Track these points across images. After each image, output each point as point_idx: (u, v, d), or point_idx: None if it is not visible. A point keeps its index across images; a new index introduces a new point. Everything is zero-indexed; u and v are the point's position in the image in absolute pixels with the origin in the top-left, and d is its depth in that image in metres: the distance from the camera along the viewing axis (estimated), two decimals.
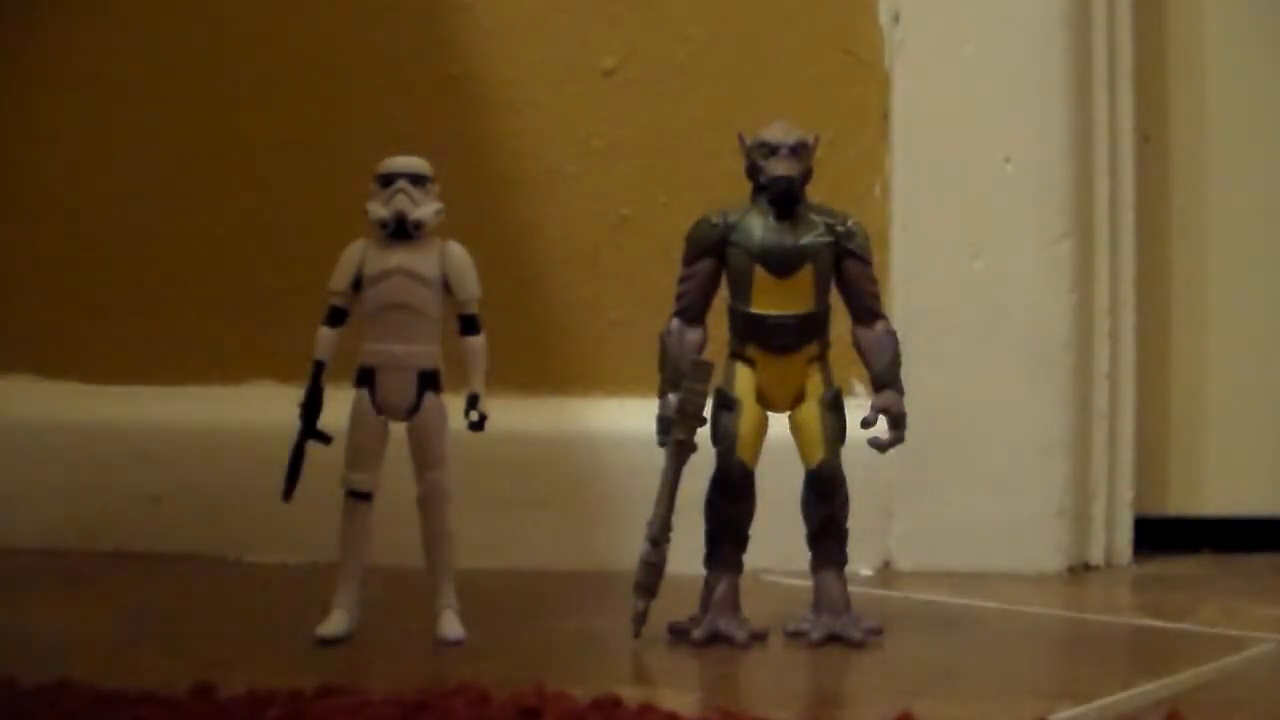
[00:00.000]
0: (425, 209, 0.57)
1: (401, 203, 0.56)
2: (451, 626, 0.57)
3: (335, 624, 0.56)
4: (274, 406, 0.72)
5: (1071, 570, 0.81)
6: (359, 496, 0.57)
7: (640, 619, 0.57)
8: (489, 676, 0.51)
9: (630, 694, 0.44)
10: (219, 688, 0.44)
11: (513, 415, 0.81)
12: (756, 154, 0.59)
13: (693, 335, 0.60)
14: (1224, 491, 0.90)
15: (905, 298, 0.82)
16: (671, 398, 0.58)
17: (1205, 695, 0.50)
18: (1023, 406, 0.81)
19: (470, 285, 0.58)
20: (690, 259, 0.61)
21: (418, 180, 0.57)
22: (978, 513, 0.80)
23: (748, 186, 0.60)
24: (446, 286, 0.57)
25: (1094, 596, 0.76)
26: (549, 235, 0.83)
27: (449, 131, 0.83)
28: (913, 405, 0.60)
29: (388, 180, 0.57)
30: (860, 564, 0.79)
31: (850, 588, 0.60)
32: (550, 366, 0.83)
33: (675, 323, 0.60)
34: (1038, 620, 0.68)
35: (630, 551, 0.58)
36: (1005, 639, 0.63)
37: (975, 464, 0.81)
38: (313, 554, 0.79)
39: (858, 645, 0.58)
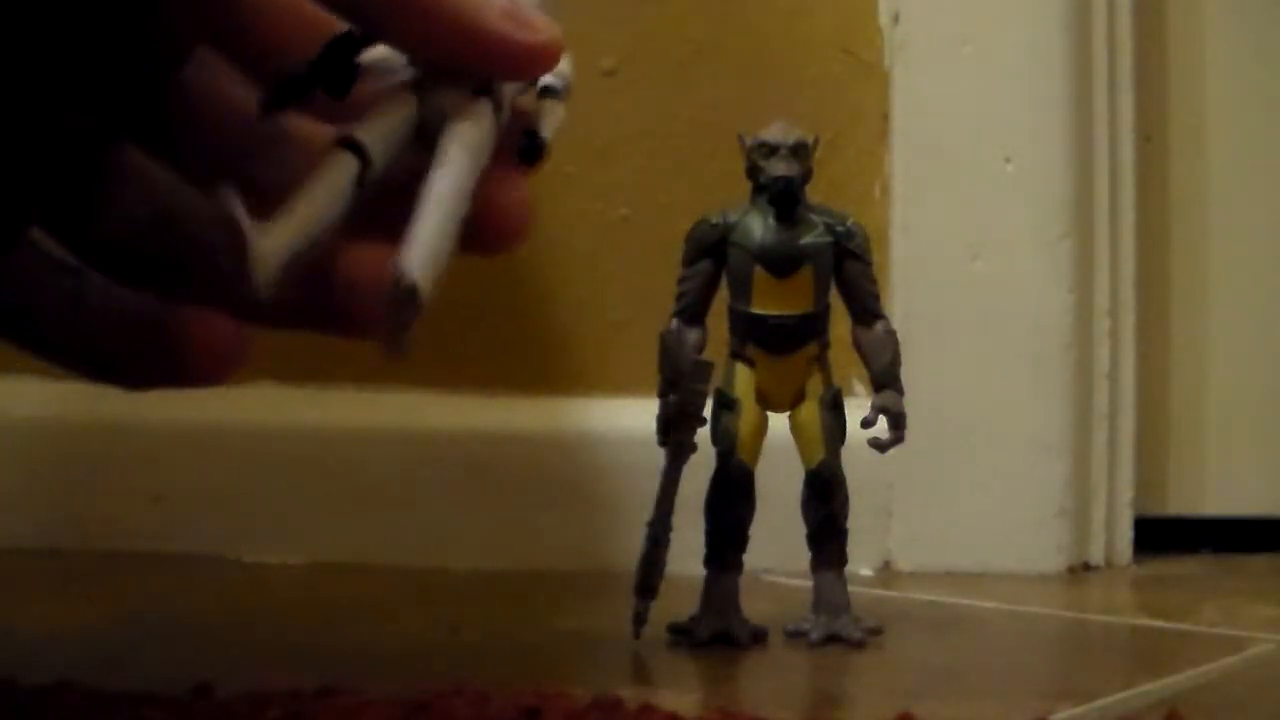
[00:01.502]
0: None
1: None
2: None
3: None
4: (274, 406, 0.73)
5: (1071, 570, 0.81)
6: (353, 150, 0.39)
7: (640, 619, 0.57)
8: (489, 676, 0.51)
9: (630, 694, 0.44)
10: (219, 688, 0.44)
11: (513, 415, 0.81)
12: (756, 154, 0.59)
13: (693, 335, 0.60)
14: (1224, 491, 0.90)
15: (905, 298, 0.82)
16: (671, 398, 0.58)
17: (1205, 695, 0.50)
18: (1023, 406, 0.81)
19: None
20: (690, 259, 0.61)
21: None
22: (978, 513, 0.80)
23: (748, 186, 0.60)
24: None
25: (1094, 596, 0.76)
26: (549, 235, 0.83)
27: None
28: (913, 405, 0.60)
29: None
30: (860, 564, 0.79)
31: (850, 588, 0.60)
32: (550, 366, 0.83)
33: (675, 323, 0.60)
34: (1038, 620, 0.68)
35: (630, 551, 0.58)
36: (1005, 639, 0.63)
37: (975, 464, 0.81)
38: (313, 554, 0.79)
39: (858, 645, 0.58)
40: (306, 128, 0.41)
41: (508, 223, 0.41)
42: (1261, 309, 0.90)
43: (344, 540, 0.76)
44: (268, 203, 0.39)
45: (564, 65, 0.42)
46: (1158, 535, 0.87)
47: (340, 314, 0.41)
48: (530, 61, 0.40)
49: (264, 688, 0.44)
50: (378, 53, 0.41)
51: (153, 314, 0.41)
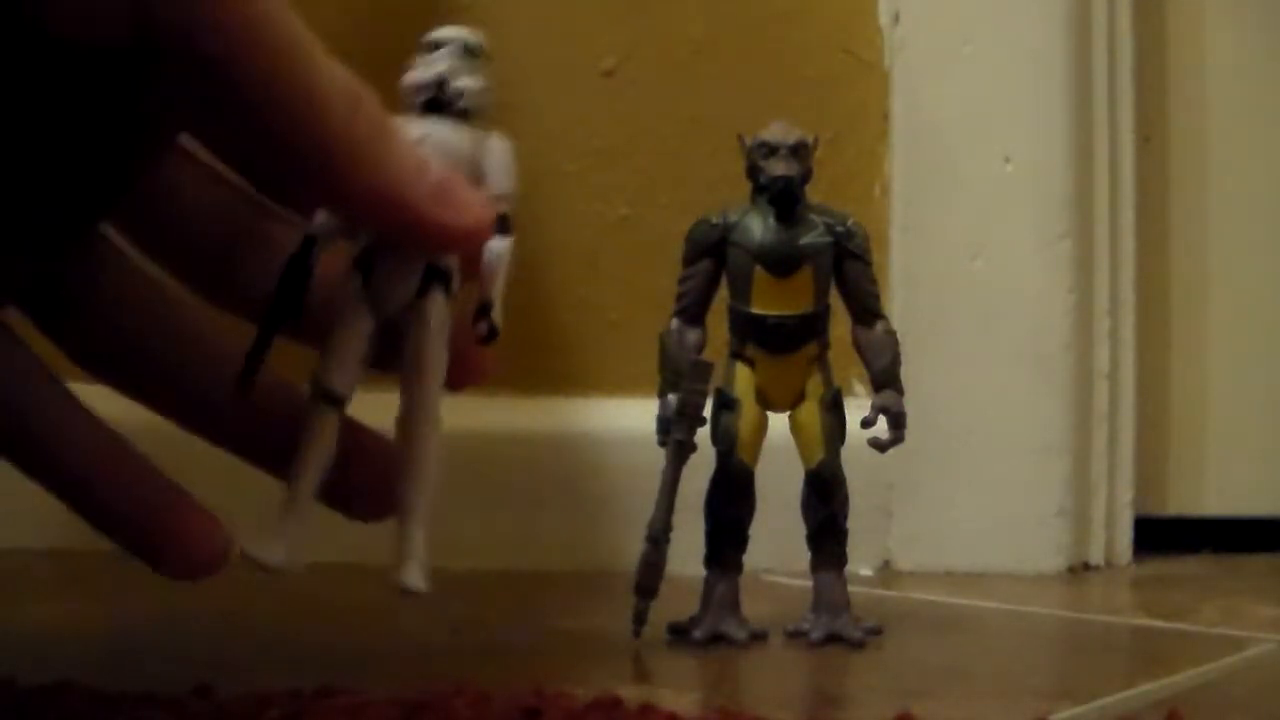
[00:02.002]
0: (471, 80, 0.46)
1: (442, 67, 0.46)
2: (416, 577, 0.45)
3: (273, 551, 0.45)
4: None
5: (1071, 570, 0.81)
6: (330, 401, 0.44)
7: (640, 619, 0.57)
8: (489, 676, 0.51)
9: (630, 694, 0.44)
10: (219, 688, 0.44)
11: (512, 415, 0.81)
12: (756, 154, 0.59)
13: (693, 335, 0.60)
14: (1224, 491, 0.90)
15: (905, 298, 0.82)
16: (671, 398, 0.58)
17: (1205, 695, 0.50)
18: (1023, 406, 0.81)
19: (508, 178, 0.45)
20: (690, 259, 0.61)
21: (469, 50, 0.47)
22: (978, 513, 0.81)
23: (748, 186, 0.60)
24: (478, 176, 0.45)
25: (1094, 596, 0.76)
26: (549, 235, 0.83)
27: None
28: (913, 405, 0.60)
29: (434, 47, 0.47)
30: (860, 564, 0.79)
31: (850, 588, 0.60)
32: (550, 366, 0.83)
33: (675, 323, 0.60)
34: (1038, 620, 0.68)
35: (630, 551, 0.58)
36: (1005, 639, 0.63)
37: (975, 464, 0.81)
38: (313, 554, 0.79)
39: (858, 645, 0.58)
40: (278, 231, 0.45)
41: (471, 373, 0.47)
42: (1261, 309, 0.90)
43: (344, 540, 0.76)
44: (249, 300, 0.44)
45: (506, 179, 0.45)
46: (1158, 535, 0.87)
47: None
48: (456, 242, 0.43)
49: (264, 688, 0.44)
50: (321, 218, 0.43)
51: (137, 514, 0.45)
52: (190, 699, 0.43)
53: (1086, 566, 0.82)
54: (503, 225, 0.45)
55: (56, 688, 0.43)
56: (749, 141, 0.60)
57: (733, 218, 0.60)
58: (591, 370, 0.83)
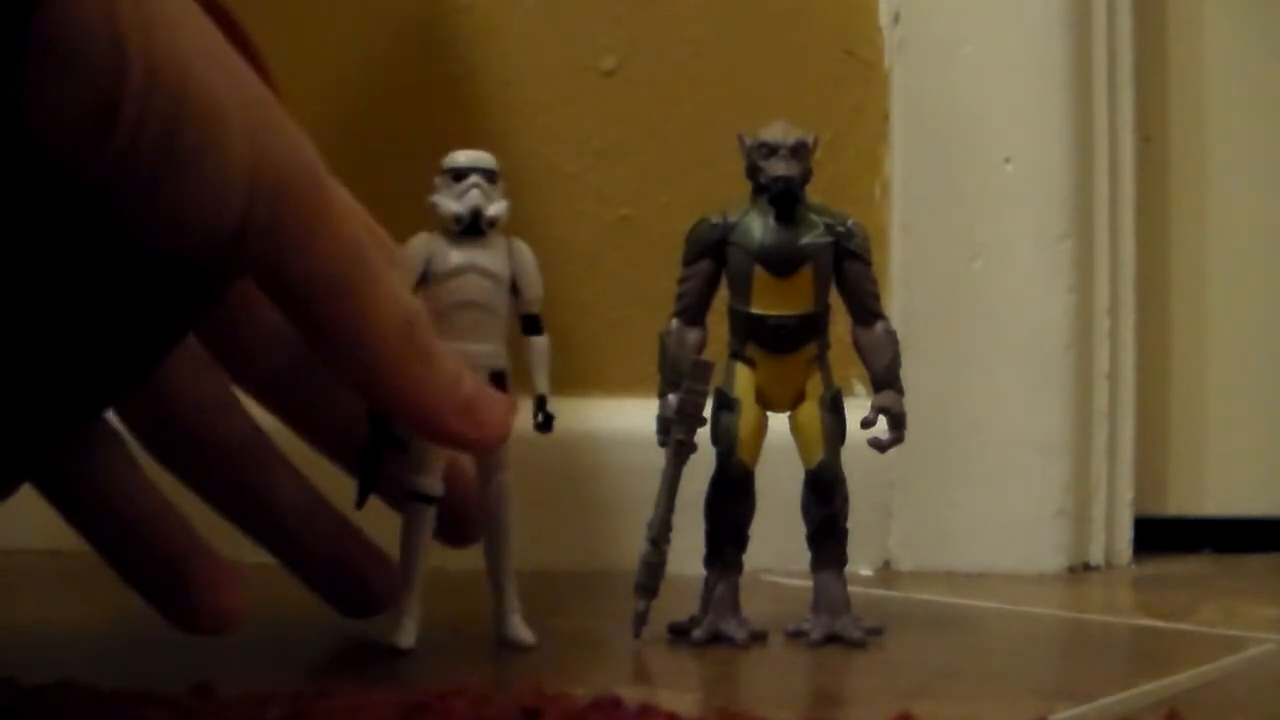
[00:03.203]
0: (498, 206, 0.55)
1: (476, 199, 0.54)
2: (522, 630, 0.56)
3: (407, 634, 0.54)
4: None
5: (1071, 570, 0.81)
6: (425, 500, 0.55)
7: (640, 619, 0.57)
8: (489, 676, 0.51)
9: (630, 694, 0.44)
10: (219, 688, 0.44)
11: None
12: (756, 154, 0.59)
13: (693, 335, 0.60)
14: (1224, 491, 0.90)
15: (905, 298, 0.82)
16: (671, 398, 0.58)
17: (1205, 695, 0.50)
18: (1023, 406, 0.81)
19: (537, 284, 0.56)
20: (690, 259, 0.61)
21: (490, 176, 0.55)
22: (978, 513, 0.81)
23: (748, 186, 0.60)
24: (513, 285, 0.56)
25: (1094, 596, 0.76)
26: (549, 235, 0.83)
27: (449, 131, 0.83)
28: (913, 405, 0.60)
29: (460, 175, 0.55)
30: (860, 564, 0.79)
31: (850, 588, 0.60)
32: (550, 366, 0.83)
33: (675, 323, 0.60)
34: (1038, 620, 0.68)
35: (630, 551, 0.58)
36: (1005, 639, 0.63)
37: (975, 464, 0.81)
38: None
39: (858, 645, 0.58)
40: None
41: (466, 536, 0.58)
42: (1261, 309, 0.90)
43: None
44: (304, 415, 0.54)
45: (535, 286, 0.56)
46: (1158, 535, 0.87)
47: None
48: (479, 448, 0.52)
49: (264, 688, 0.44)
50: None
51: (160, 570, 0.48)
52: (190, 699, 0.43)
53: (1086, 566, 0.82)
54: (536, 325, 0.57)
55: (56, 688, 0.43)
56: (749, 141, 0.60)
57: (733, 218, 0.60)
58: (591, 370, 0.83)
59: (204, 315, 0.42)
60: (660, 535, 0.57)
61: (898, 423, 0.60)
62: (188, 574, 0.48)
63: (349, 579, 0.55)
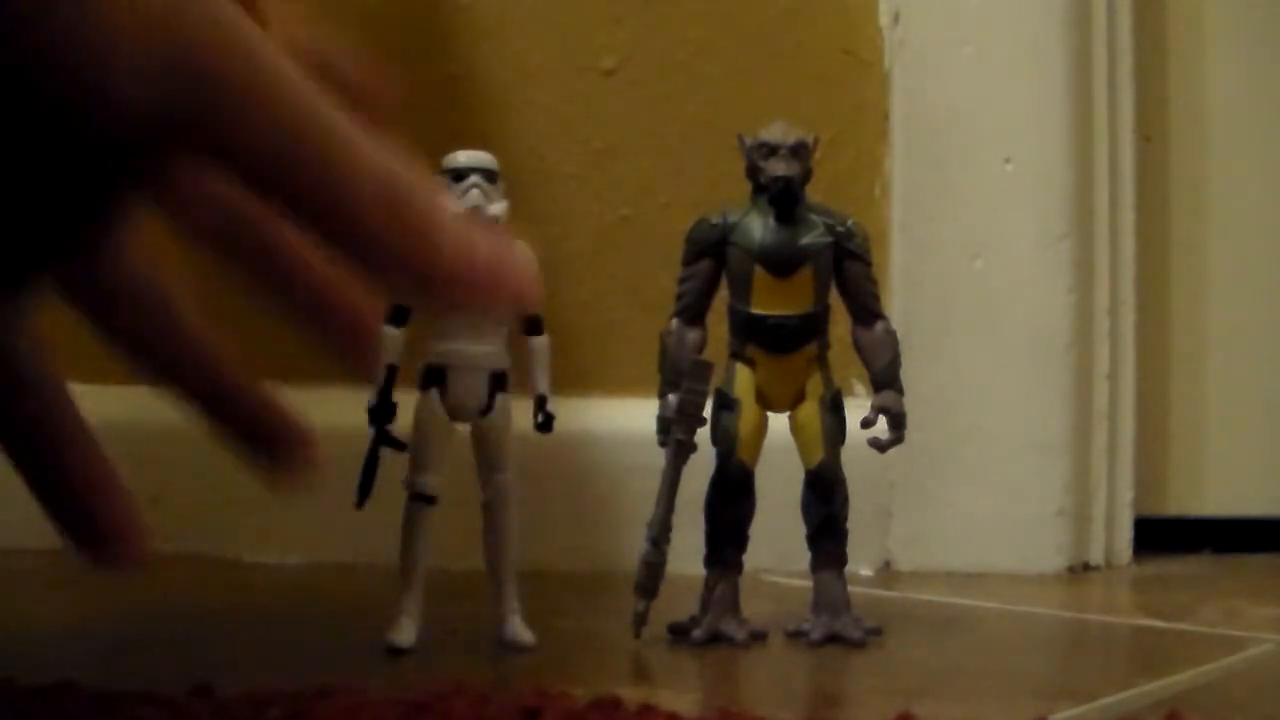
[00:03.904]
0: (498, 206, 0.55)
1: (476, 199, 0.55)
2: (522, 630, 0.56)
3: (405, 632, 0.55)
4: None
5: (1071, 570, 0.81)
6: (426, 500, 0.56)
7: (640, 619, 0.57)
8: (489, 676, 0.51)
9: (630, 694, 0.44)
10: (219, 688, 0.44)
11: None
12: (756, 154, 0.59)
13: (693, 335, 0.60)
14: (1224, 491, 0.90)
15: (905, 298, 0.82)
16: (671, 398, 0.58)
17: (1205, 695, 0.50)
18: (1023, 406, 0.81)
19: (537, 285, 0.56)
20: (690, 259, 0.61)
21: (490, 176, 0.55)
22: (978, 513, 0.81)
23: (748, 186, 0.60)
24: None
25: (1094, 596, 0.76)
26: (549, 235, 0.83)
27: (449, 131, 0.83)
28: (913, 405, 0.60)
29: (460, 175, 0.55)
30: (860, 564, 0.79)
31: (850, 588, 0.60)
32: (550, 366, 0.83)
33: (675, 323, 0.60)
34: (1038, 620, 0.68)
35: (630, 551, 0.58)
36: (1005, 639, 0.63)
37: (975, 464, 0.81)
38: (313, 554, 0.79)
39: (858, 645, 0.58)
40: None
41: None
42: (1261, 309, 0.90)
43: (344, 540, 0.76)
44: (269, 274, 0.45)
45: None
46: (1158, 535, 0.87)
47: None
48: (499, 301, 0.40)
49: (264, 688, 0.43)
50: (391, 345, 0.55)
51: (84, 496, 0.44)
52: (190, 699, 0.43)
53: (1086, 566, 0.82)
54: (536, 326, 0.57)
55: (56, 688, 0.43)
56: (749, 141, 0.60)
57: (733, 218, 0.60)
58: (591, 370, 0.83)
59: (141, 192, 0.40)
60: (660, 535, 0.57)
61: (898, 423, 0.60)
62: (96, 513, 0.46)
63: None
